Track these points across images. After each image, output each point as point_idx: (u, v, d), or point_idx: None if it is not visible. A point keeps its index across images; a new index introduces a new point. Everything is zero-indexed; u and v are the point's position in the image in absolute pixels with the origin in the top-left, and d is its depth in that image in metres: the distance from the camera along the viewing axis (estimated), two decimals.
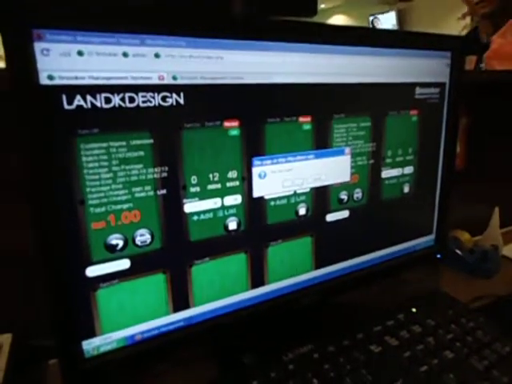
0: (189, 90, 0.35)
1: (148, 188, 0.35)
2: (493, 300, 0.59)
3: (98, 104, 0.32)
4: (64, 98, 0.30)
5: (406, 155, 0.52)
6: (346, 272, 0.51)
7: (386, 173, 0.51)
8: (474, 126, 0.76)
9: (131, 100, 0.33)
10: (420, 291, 0.58)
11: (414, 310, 0.53)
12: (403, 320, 0.51)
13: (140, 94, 0.33)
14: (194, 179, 0.37)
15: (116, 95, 0.32)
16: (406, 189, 0.54)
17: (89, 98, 0.31)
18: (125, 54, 0.32)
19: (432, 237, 0.59)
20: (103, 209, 0.34)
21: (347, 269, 0.51)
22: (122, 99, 0.33)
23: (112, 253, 0.35)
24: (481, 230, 0.73)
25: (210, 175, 0.38)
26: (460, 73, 0.54)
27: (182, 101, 0.35)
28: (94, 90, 0.31)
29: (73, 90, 0.30)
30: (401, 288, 0.60)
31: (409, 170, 0.53)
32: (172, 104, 0.35)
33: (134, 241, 0.36)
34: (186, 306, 0.40)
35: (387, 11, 4.79)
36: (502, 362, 0.44)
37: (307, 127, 0.43)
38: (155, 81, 0.34)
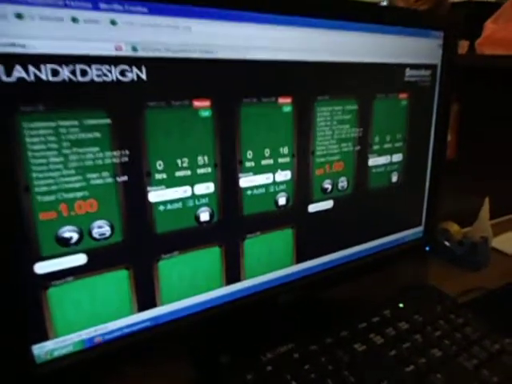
0: (152, 63, 0.31)
1: (106, 174, 0.31)
2: (482, 293, 0.57)
3: (44, 77, 0.27)
4: (1, 68, 0.26)
5: (394, 142, 0.49)
6: (330, 266, 0.48)
7: (373, 160, 0.48)
8: (465, 113, 0.74)
9: (83, 73, 0.29)
10: (408, 285, 0.55)
11: (401, 305, 0.50)
12: (389, 316, 0.48)
13: (94, 67, 0.29)
14: (159, 165, 0.34)
15: (65, 67, 0.28)
16: (394, 178, 0.50)
17: (32, 69, 0.27)
18: (74, 20, 0.28)
19: (420, 228, 0.56)
20: (53, 197, 0.30)
21: (331, 263, 0.48)
22: (73, 72, 0.28)
23: (65, 247, 0.31)
24: (470, 222, 0.71)
25: (179, 161, 0.34)
26: (453, 54, 0.50)
27: (143, 76, 0.31)
28: (37, 60, 0.27)
29: (11, 60, 0.26)
30: (388, 282, 0.57)
31: (397, 157, 0.50)
32: (132, 79, 0.31)
33: (90, 233, 0.32)
34: (153, 305, 0.36)
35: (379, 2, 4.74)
36: (492, 360, 0.42)
37: (287, 109, 0.39)
38: (111, 52, 0.29)
